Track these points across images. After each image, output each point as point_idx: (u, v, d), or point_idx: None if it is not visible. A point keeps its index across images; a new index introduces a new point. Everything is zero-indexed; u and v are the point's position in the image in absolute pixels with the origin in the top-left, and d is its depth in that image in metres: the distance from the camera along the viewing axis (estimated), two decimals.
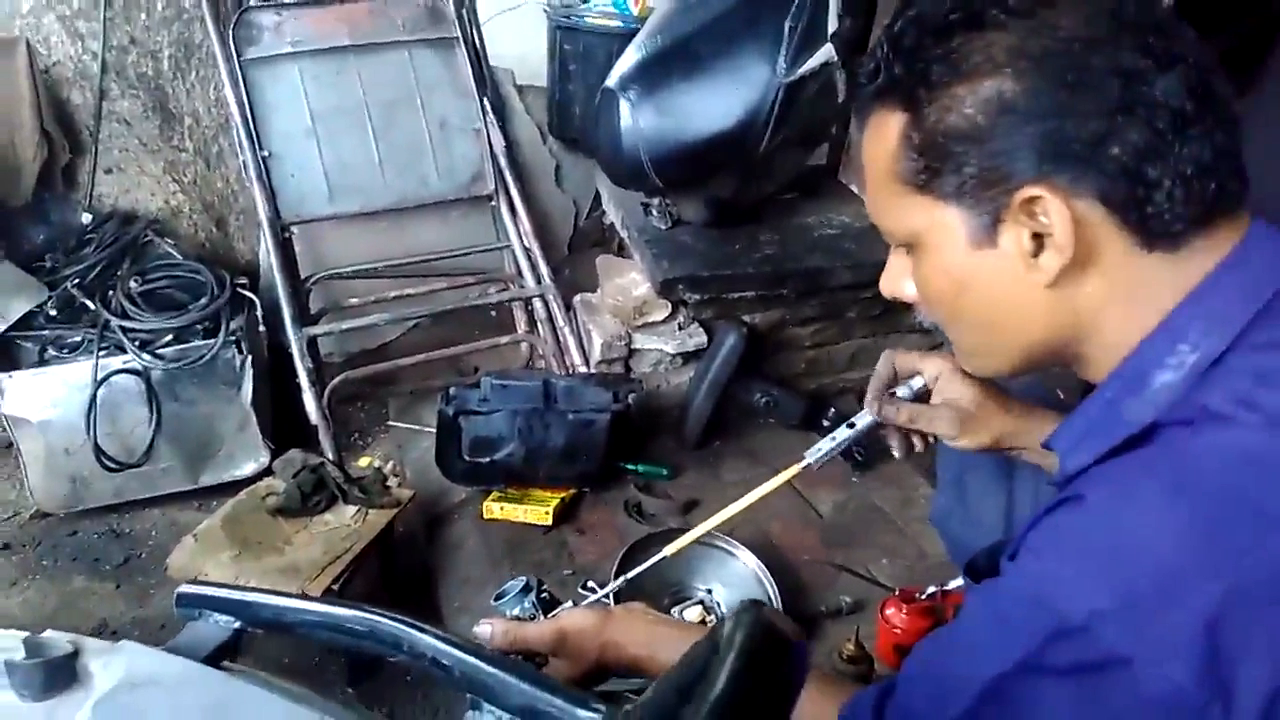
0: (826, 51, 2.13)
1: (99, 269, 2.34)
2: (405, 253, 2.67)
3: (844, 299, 2.48)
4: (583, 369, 2.42)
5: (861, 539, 2.07)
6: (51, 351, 2.21)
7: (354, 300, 2.67)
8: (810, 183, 2.81)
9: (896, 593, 1.64)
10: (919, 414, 1.13)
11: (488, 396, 2.06)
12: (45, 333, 2.22)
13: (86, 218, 2.49)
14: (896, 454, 1.21)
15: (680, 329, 2.39)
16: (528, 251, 2.65)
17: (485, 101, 2.67)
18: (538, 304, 2.65)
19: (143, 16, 2.46)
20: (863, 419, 1.17)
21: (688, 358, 2.40)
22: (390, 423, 2.67)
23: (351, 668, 1.86)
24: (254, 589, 0.75)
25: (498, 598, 1.06)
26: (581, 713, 0.59)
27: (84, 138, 2.50)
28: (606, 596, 1.30)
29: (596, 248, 3.08)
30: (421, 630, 0.67)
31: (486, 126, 2.65)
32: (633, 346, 2.39)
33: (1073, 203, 0.70)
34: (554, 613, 1.03)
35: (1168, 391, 0.71)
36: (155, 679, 0.64)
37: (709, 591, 1.83)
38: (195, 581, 0.77)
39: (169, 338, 2.25)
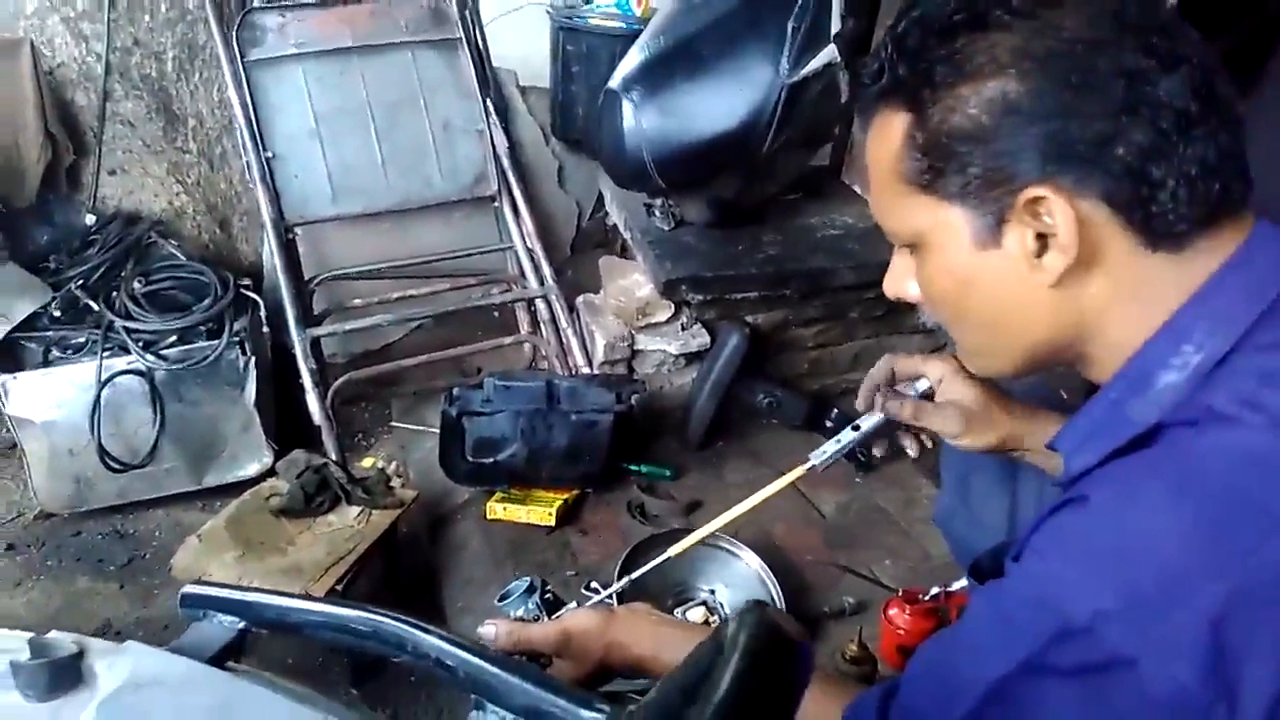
0: (830, 52, 2.13)
1: (103, 270, 2.35)
2: (408, 254, 2.68)
3: (847, 299, 2.48)
4: (585, 370, 2.42)
5: (865, 540, 2.07)
6: (56, 352, 2.22)
7: (357, 301, 2.68)
8: (813, 183, 2.81)
9: (900, 593, 1.64)
10: (924, 410, 1.13)
11: (491, 397, 2.06)
12: (49, 334, 2.22)
13: (90, 219, 2.50)
14: (911, 452, 1.21)
15: (683, 330, 2.39)
16: (530, 252, 2.65)
17: (488, 102, 2.67)
18: (541, 305, 2.65)
19: (147, 18, 2.47)
20: (868, 420, 1.17)
21: (690, 358, 2.40)
22: (393, 423, 2.67)
23: (355, 668, 1.86)
24: (258, 589, 0.75)
25: (501, 599, 1.05)
26: (585, 713, 0.59)
27: (88, 139, 2.51)
28: (610, 597, 1.30)
29: (599, 249, 3.08)
30: (425, 631, 0.67)
31: (489, 127, 2.66)
32: (635, 347, 2.39)
33: (1077, 203, 0.70)
34: (558, 614, 1.03)
35: (1172, 392, 0.71)
36: (160, 679, 0.64)
37: (712, 592, 1.83)
38: (199, 582, 0.77)
39: (173, 339, 2.25)
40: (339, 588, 1.73)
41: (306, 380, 2.29)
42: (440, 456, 2.10)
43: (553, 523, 2.03)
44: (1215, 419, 0.67)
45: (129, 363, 2.22)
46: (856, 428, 1.16)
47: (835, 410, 2.39)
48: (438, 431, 2.09)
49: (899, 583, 1.84)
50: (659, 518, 2.08)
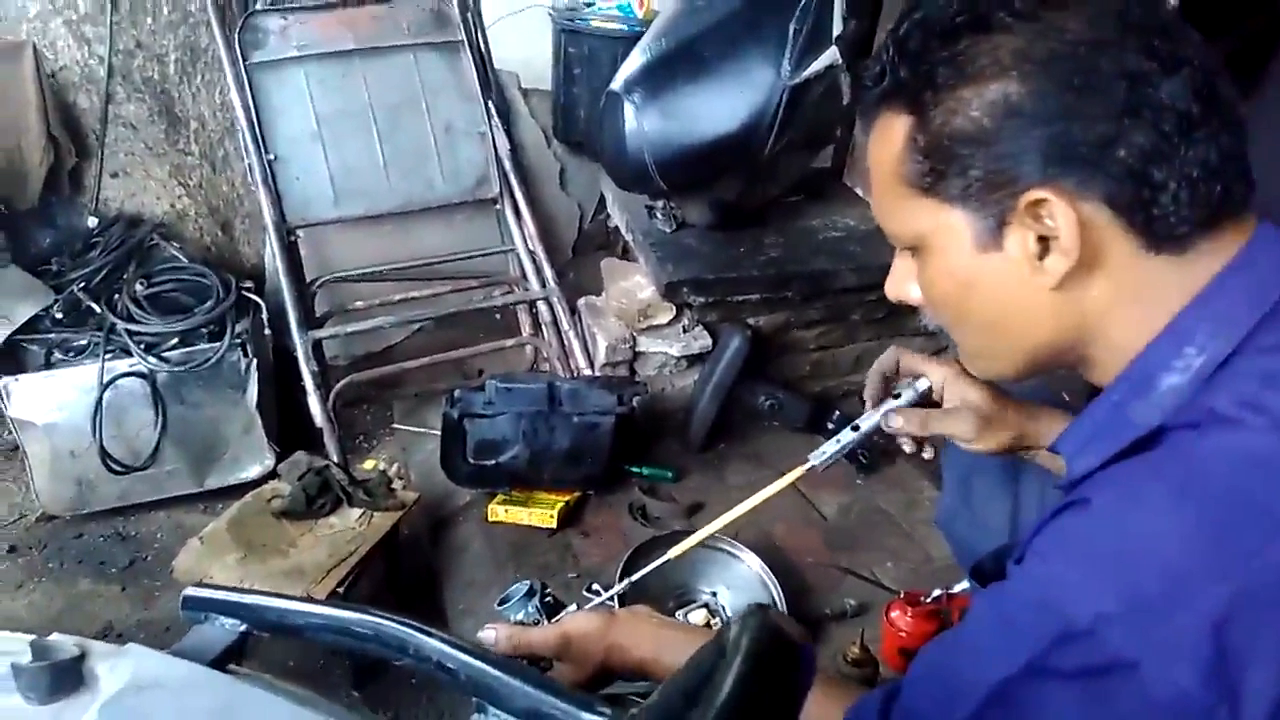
0: (831, 54, 2.13)
1: (105, 272, 2.35)
2: (410, 256, 2.68)
3: (849, 302, 2.48)
4: (587, 372, 2.42)
5: (866, 541, 2.06)
6: (57, 355, 2.22)
7: (359, 303, 2.68)
8: (815, 185, 2.81)
9: (901, 595, 1.64)
10: (933, 419, 1.13)
11: (492, 399, 2.06)
12: (51, 336, 2.23)
13: (93, 221, 2.51)
14: (925, 454, 1.20)
15: (685, 332, 2.39)
16: (532, 254, 2.65)
17: (490, 105, 2.67)
18: (542, 307, 2.65)
19: (149, 21, 2.47)
20: (868, 421, 1.16)
21: (692, 360, 2.40)
22: (395, 425, 2.67)
23: (357, 671, 1.86)
24: (259, 592, 0.75)
25: (501, 602, 1.05)
26: (587, 716, 0.59)
27: (90, 142, 2.51)
28: (611, 599, 1.30)
29: (601, 251, 3.08)
30: (426, 633, 0.67)
31: (491, 130, 2.66)
32: (637, 349, 2.39)
33: (1078, 205, 0.70)
34: (558, 617, 1.03)
35: (1174, 395, 0.71)
36: (161, 682, 0.64)
37: (713, 594, 1.82)
38: (201, 585, 0.77)
39: (174, 341, 2.26)
40: (340, 590, 1.73)
41: (308, 382, 2.29)
42: (442, 458, 2.10)
43: (554, 525, 2.03)
44: (1217, 421, 0.67)
45: (131, 365, 2.22)
46: (856, 428, 1.16)
47: (837, 412, 2.39)
48: (439, 433, 2.09)
49: (901, 585, 1.84)
50: (660, 520, 2.08)
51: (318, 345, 2.39)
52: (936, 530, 1.48)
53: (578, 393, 2.09)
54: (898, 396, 1.16)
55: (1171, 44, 0.69)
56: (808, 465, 1.16)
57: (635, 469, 2.22)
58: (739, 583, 1.81)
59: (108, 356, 2.19)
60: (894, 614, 1.62)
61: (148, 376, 2.23)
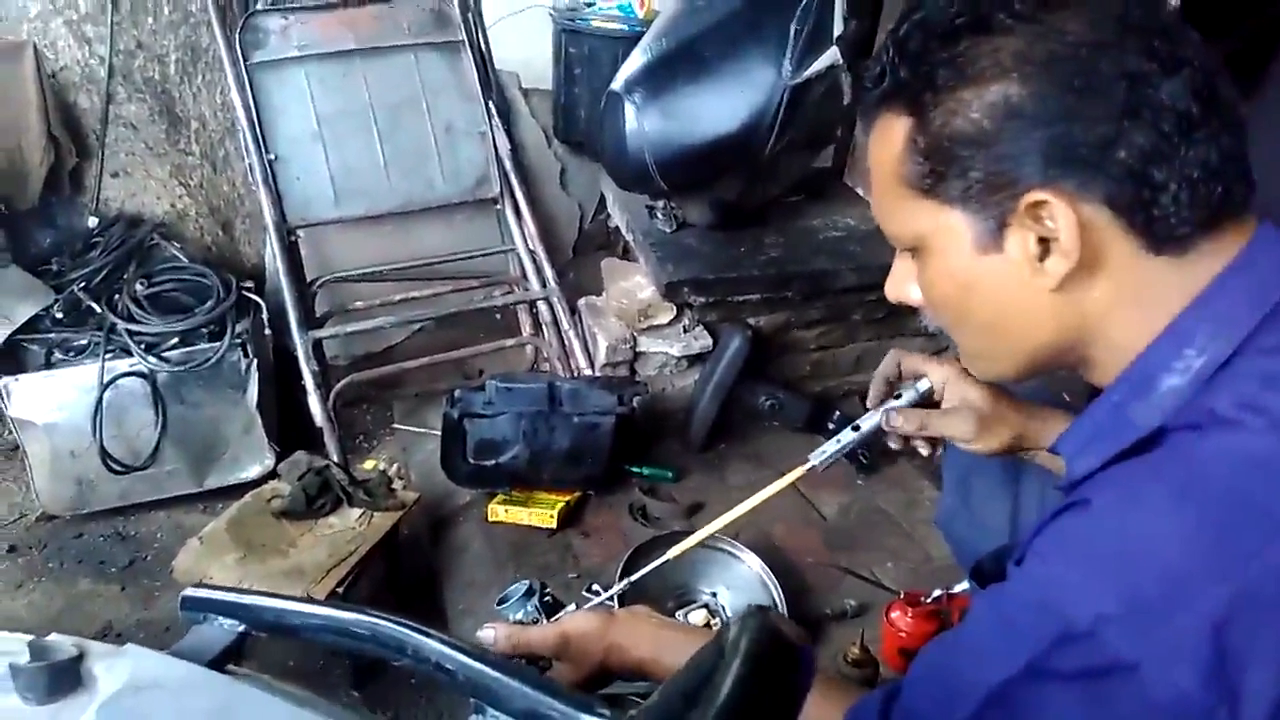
0: (832, 54, 2.13)
1: (105, 272, 2.35)
2: (410, 256, 2.68)
3: (849, 302, 2.48)
4: (587, 372, 2.42)
5: (866, 542, 2.06)
6: (58, 354, 2.22)
7: (359, 303, 2.68)
8: (816, 185, 2.81)
9: (901, 596, 1.64)
10: (932, 420, 1.13)
11: (493, 399, 2.06)
12: (51, 336, 2.23)
13: (93, 221, 2.51)
14: (893, 445, 1.20)
15: (685, 332, 2.39)
16: (533, 254, 2.65)
17: (490, 105, 2.67)
18: (543, 307, 2.65)
19: (149, 21, 2.47)
20: (868, 421, 1.16)
21: (692, 360, 2.40)
22: (395, 425, 2.67)
23: (356, 671, 1.86)
24: (258, 592, 0.75)
25: (500, 602, 1.05)
26: (585, 717, 0.59)
27: (91, 142, 2.51)
28: (610, 600, 1.30)
29: (601, 251, 3.08)
30: (424, 634, 0.67)
31: (492, 130, 2.66)
32: (637, 349, 2.39)
33: (1079, 207, 0.70)
34: (557, 616, 1.03)
35: (1174, 396, 0.71)
36: (159, 683, 0.64)
37: (713, 594, 1.82)
38: (200, 585, 0.77)
39: (175, 341, 2.26)
40: (340, 590, 1.73)
41: (308, 382, 2.29)
42: (442, 458, 2.10)
43: (554, 525, 2.02)
44: (1218, 422, 0.67)
45: (131, 365, 2.22)
46: (856, 428, 1.16)
47: (837, 412, 2.38)
48: (439, 433, 2.09)
49: (900, 585, 1.83)
50: (661, 520, 2.08)
51: (318, 345, 2.39)
52: (936, 530, 1.48)
53: (578, 393, 2.09)
54: (898, 397, 1.16)
55: (1171, 45, 0.69)
56: (808, 465, 1.16)
57: (635, 469, 2.22)
58: (739, 583, 1.81)
59: (108, 356, 2.19)
60: (894, 614, 1.62)
61: (148, 376, 2.23)
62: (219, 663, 0.69)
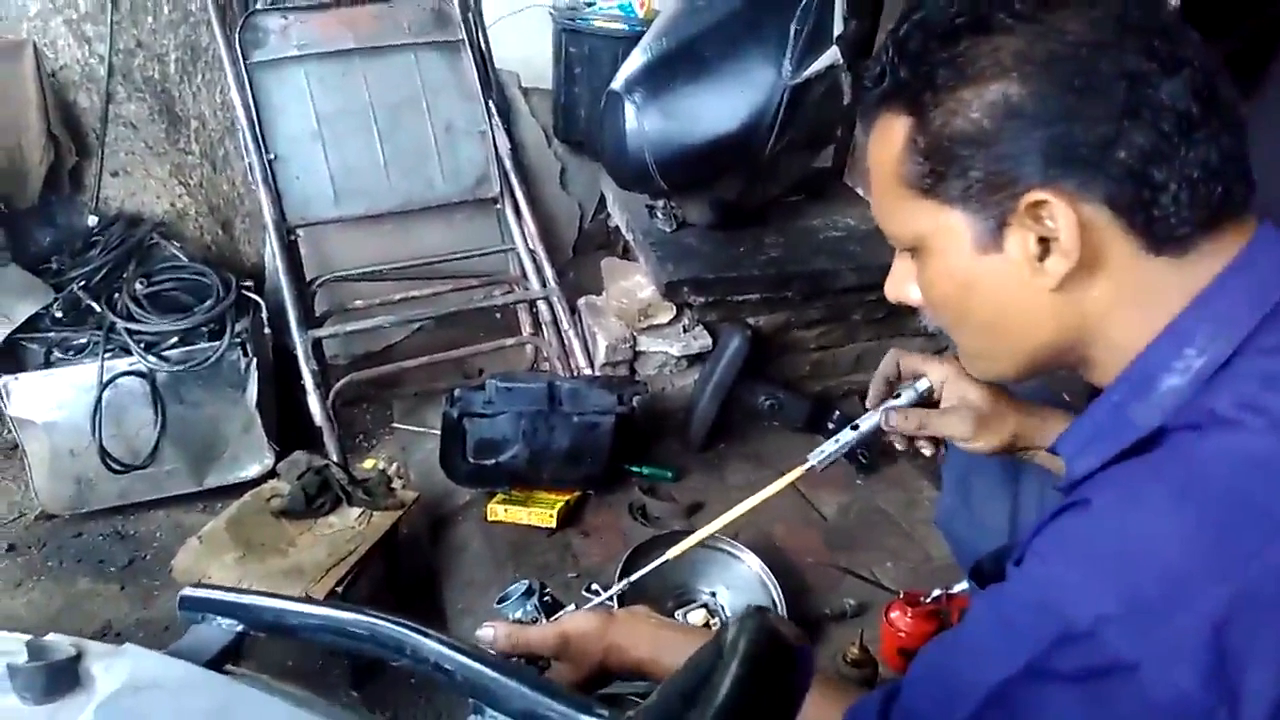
0: (832, 54, 2.13)
1: (105, 271, 2.35)
2: (410, 255, 2.68)
3: (849, 302, 2.48)
4: (587, 371, 2.42)
5: (865, 541, 2.06)
6: (57, 353, 2.22)
7: (359, 302, 2.68)
8: (816, 185, 2.81)
9: (901, 596, 1.64)
10: (930, 419, 1.13)
11: (492, 399, 2.05)
12: (51, 335, 2.23)
13: (93, 220, 2.50)
14: (898, 446, 1.20)
15: (685, 331, 2.39)
16: (533, 254, 2.65)
17: (490, 104, 2.67)
18: (542, 306, 2.65)
19: (149, 20, 2.47)
20: (867, 421, 1.16)
21: (692, 360, 2.40)
22: (395, 425, 2.67)
23: (355, 670, 1.86)
24: (256, 592, 0.75)
25: (500, 601, 1.05)
26: (583, 718, 0.59)
27: (90, 141, 2.51)
28: (610, 599, 1.30)
29: (601, 250, 3.08)
30: (422, 634, 0.67)
31: (492, 129, 2.66)
32: (637, 349, 2.39)
33: (1079, 207, 0.70)
34: (556, 616, 1.02)
35: (1174, 396, 0.71)
36: (157, 683, 0.64)
37: (713, 594, 1.82)
38: (198, 585, 0.77)
39: (174, 340, 2.25)
40: (339, 589, 1.73)
41: (308, 381, 2.29)
42: (441, 458, 2.10)
43: (554, 524, 2.02)
44: (1218, 423, 0.67)
45: (130, 364, 2.22)
46: (855, 428, 1.16)
47: (837, 412, 2.38)
48: (439, 433, 2.09)
49: (900, 585, 1.83)
50: (660, 519, 2.08)
51: (317, 344, 2.39)
52: (936, 530, 1.48)
53: (578, 392, 2.09)
54: (898, 397, 1.16)
55: (1171, 45, 0.69)
56: (807, 465, 1.16)
57: (635, 469, 2.22)
58: (738, 583, 1.81)
59: (107, 355, 2.19)
60: (893, 614, 1.62)
61: (147, 375, 2.23)
62: (217, 663, 0.69)
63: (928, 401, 1.15)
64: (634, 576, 1.19)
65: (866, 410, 1.19)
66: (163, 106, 2.56)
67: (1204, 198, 0.69)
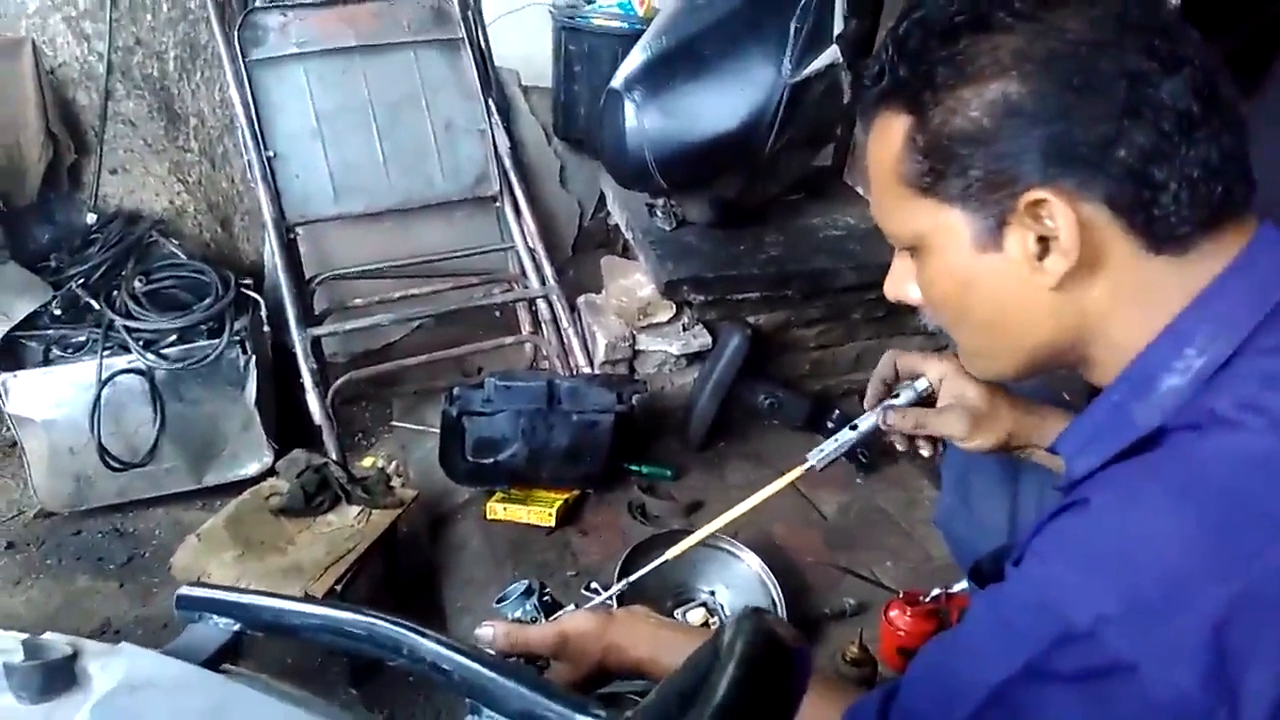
0: (832, 53, 2.13)
1: (104, 269, 2.35)
2: (410, 253, 2.68)
3: (849, 300, 2.48)
4: (587, 370, 2.42)
5: (865, 541, 2.06)
6: (56, 351, 2.22)
7: (358, 301, 2.68)
8: (815, 184, 2.81)
9: (900, 595, 1.64)
10: (927, 418, 1.13)
11: (491, 397, 2.05)
12: (50, 332, 2.22)
13: (91, 218, 2.50)
14: (899, 447, 1.20)
15: (684, 330, 2.39)
16: (532, 252, 2.65)
17: (490, 102, 2.67)
18: (542, 305, 2.65)
19: (148, 18, 2.47)
20: (866, 420, 1.16)
21: (692, 359, 2.40)
22: (394, 423, 2.67)
23: (354, 669, 1.86)
24: (253, 591, 0.75)
25: (499, 600, 1.05)
26: (581, 718, 0.58)
27: (89, 138, 2.51)
28: (609, 599, 1.29)
29: (601, 249, 3.08)
30: (420, 634, 0.66)
31: (491, 127, 2.65)
32: (637, 347, 2.39)
33: (1079, 206, 0.70)
34: (555, 615, 1.02)
35: (1174, 396, 0.71)
36: (154, 682, 0.64)
37: (712, 593, 1.82)
38: (196, 583, 0.77)
39: (173, 338, 2.25)
40: (338, 587, 1.73)
41: (307, 379, 2.29)
42: (440, 456, 2.10)
43: (553, 523, 2.02)
44: (1218, 423, 0.67)
45: (129, 362, 2.22)
46: (854, 427, 1.16)
47: (837, 411, 2.38)
48: (438, 431, 2.09)
49: (900, 584, 1.83)
50: (660, 518, 2.08)
51: (317, 342, 2.39)
52: (936, 530, 1.48)
53: (577, 391, 2.08)
54: (896, 397, 1.16)
55: (1172, 44, 0.69)
56: (806, 465, 1.16)
57: (634, 467, 2.22)
58: (738, 582, 1.81)
59: (106, 353, 2.19)
60: (893, 613, 1.62)
61: (146, 373, 2.23)
62: (214, 662, 0.69)
63: (926, 401, 1.15)
64: (633, 576, 1.19)
65: (866, 411, 1.19)
66: (162, 104, 2.55)
67: (1204, 197, 0.69)
